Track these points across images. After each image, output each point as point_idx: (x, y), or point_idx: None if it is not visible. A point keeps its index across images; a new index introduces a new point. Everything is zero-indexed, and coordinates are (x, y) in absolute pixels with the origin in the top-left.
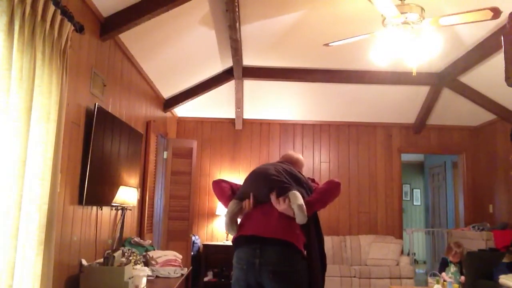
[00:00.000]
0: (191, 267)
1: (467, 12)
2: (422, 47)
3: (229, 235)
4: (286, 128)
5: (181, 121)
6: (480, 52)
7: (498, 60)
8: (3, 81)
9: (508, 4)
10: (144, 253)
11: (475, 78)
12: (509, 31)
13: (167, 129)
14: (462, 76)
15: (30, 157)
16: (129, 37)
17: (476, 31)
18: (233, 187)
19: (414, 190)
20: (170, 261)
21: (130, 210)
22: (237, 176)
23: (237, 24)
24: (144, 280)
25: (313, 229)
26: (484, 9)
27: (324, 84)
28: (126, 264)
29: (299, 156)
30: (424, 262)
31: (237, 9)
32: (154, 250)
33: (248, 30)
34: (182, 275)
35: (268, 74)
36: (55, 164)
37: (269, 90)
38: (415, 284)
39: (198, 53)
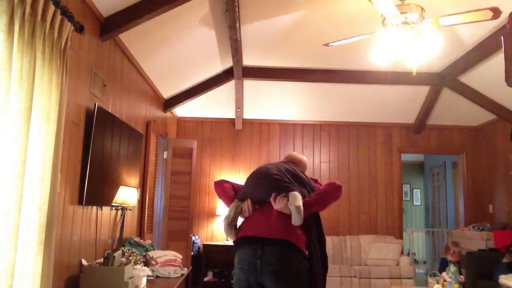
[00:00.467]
0: (191, 267)
1: (467, 12)
2: (422, 47)
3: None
4: (286, 128)
5: (181, 121)
6: (480, 52)
7: (498, 60)
8: (3, 81)
9: (508, 4)
10: (144, 253)
11: (475, 78)
12: (509, 31)
13: (167, 129)
14: (462, 76)
15: (30, 157)
16: (129, 37)
17: (476, 31)
18: (235, 187)
19: (414, 190)
20: (170, 261)
21: (130, 210)
22: (237, 176)
23: (237, 24)
24: (144, 280)
25: (314, 230)
26: (484, 9)
27: (324, 84)
28: (126, 264)
29: (302, 157)
30: (424, 262)
31: (237, 9)
32: (154, 250)
33: (248, 30)
34: (182, 275)
35: (268, 74)
36: (55, 164)
37: (269, 90)
38: (415, 284)
39: (198, 53)
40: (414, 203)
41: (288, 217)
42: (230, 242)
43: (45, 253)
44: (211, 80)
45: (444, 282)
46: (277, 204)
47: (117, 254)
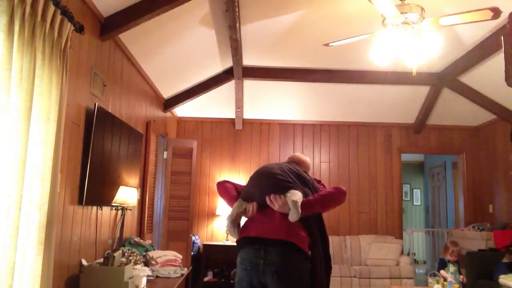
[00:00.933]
0: (191, 267)
1: (467, 12)
2: (422, 47)
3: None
4: (286, 128)
5: (181, 121)
6: (480, 52)
7: (498, 60)
8: (3, 81)
9: (508, 4)
10: (144, 253)
11: (475, 78)
12: (509, 31)
13: (167, 129)
14: (462, 76)
15: (30, 157)
16: (129, 37)
17: (476, 31)
18: (237, 188)
19: (414, 190)
20: (170, 261)
21: (130, 210)
22: (237, 176)
23: (237, 24)
24: (144, 280)
25: (316, 231)
26: (484, 9)
27: (324, 84)
28: (126, 264)
29: (305, 157)
30: (424, 262)
31: (237, 9)
32: (154, 250)
33: (248, 30)
34: (182, 275)
35: (268, 74)
36: (55, 164)
37: (269, 90)
38: (415, 284)
39: (198, 53)
40: (414, 203)
41: None
42: (230, 242)
43: (45, 253)
44: (211, 80)
45: (444, 282)
46: (275, 204)
47: (117, 254)
